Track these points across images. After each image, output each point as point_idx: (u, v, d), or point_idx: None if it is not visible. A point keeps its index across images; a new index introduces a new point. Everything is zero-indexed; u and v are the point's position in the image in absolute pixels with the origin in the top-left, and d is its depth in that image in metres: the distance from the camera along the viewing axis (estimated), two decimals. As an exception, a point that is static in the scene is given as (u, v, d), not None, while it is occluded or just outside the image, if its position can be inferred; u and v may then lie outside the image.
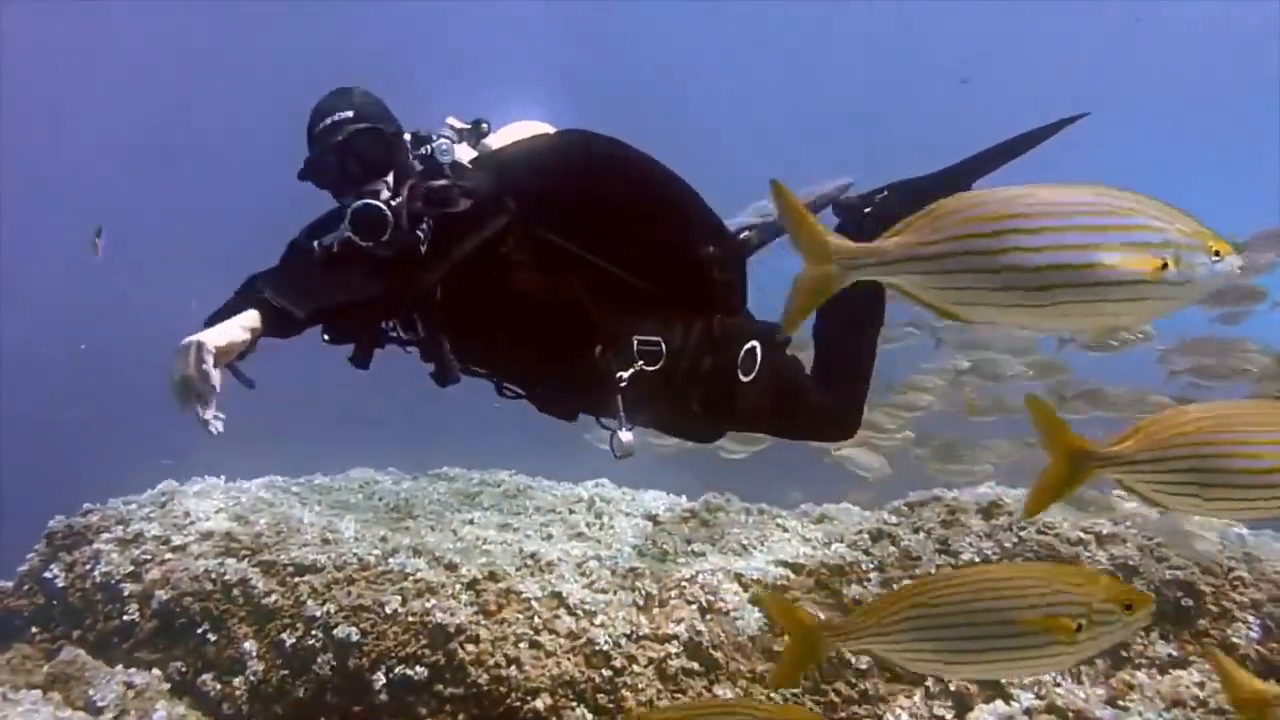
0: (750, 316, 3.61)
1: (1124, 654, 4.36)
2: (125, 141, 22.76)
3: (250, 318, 2.57)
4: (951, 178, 3.65)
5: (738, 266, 3.48)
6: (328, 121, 2.95)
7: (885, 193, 3.75)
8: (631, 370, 3.19)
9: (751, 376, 3.43)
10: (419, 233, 2.85)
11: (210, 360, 2.42)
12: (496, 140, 3.28)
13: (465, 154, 3.17)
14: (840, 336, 3.77)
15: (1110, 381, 5.97)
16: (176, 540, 5.27)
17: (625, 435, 3.21)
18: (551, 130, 3.37)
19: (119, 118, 22.82)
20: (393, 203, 2.90)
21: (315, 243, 2.97)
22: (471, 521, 5.96)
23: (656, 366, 3.23)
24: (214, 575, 4.96)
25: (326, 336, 3.02)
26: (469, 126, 3.24)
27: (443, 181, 2.93)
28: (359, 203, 2.87)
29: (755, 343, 3.45)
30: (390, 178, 2.97)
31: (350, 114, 2.96)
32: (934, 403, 6.75)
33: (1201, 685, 4.11)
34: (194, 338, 2.44)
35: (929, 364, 6.89)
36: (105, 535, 5.37)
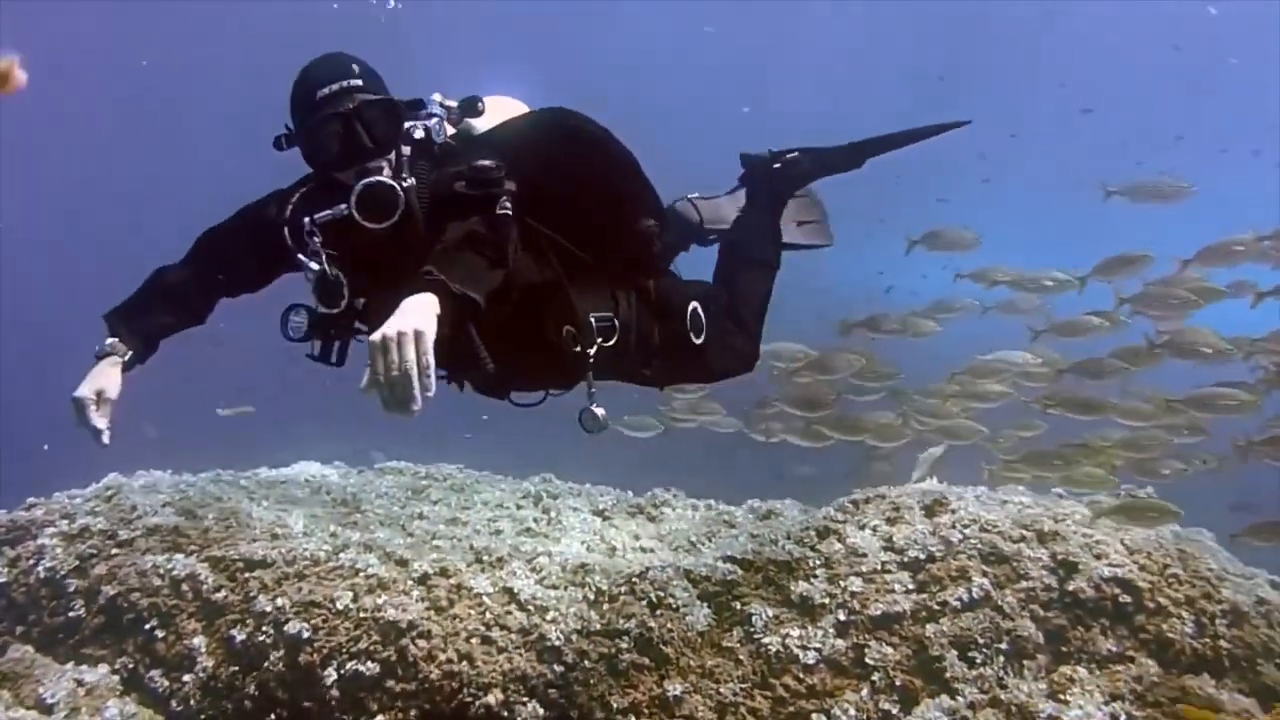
0: (678, 277, 3.70)
1: (1064, 649, 4.48)
2: (123, 140, 22.52)
3: (433, 303, 2.36)
4: (854, 151, 4.06)
5: (672, 234, 3.61)
6: (333, 88, 2.79)
7: (795, 154, 4.05)
8: (595, 347, 3.19)
9: (704, 339, 3.52)
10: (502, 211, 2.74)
11: (432, 352, 2.25)
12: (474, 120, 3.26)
13: (446, 132, 3.10)
14: (747, 278, 4.00)
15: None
16: (123, 535, 5.19)
17: (599, 410, 3.22)
18: (526, 109, 3.36)
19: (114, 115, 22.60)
20: (404, 183, 2.81)
21: (307, 219, 2.82)
22: (421, 516, 5.96)
23: (612, 342, 3.25)
24: (162, 570, 4.91)
25: (292, 335, 2.98)
26: (456, 104, 3.14)
27: (487, 162, 2.81)
28: (370, 180, 2.76)
29: (696, 304, 3.52)
30: (393, 155, 2.86)
31: (358, 82, 2.82)
32: (1008, 395, 6.47)
33: (1139, 679, 4.24)
34: (410, 327, 2.23)
35: (1007, 351, 6.52)
36: (50, 529, 5.28)
